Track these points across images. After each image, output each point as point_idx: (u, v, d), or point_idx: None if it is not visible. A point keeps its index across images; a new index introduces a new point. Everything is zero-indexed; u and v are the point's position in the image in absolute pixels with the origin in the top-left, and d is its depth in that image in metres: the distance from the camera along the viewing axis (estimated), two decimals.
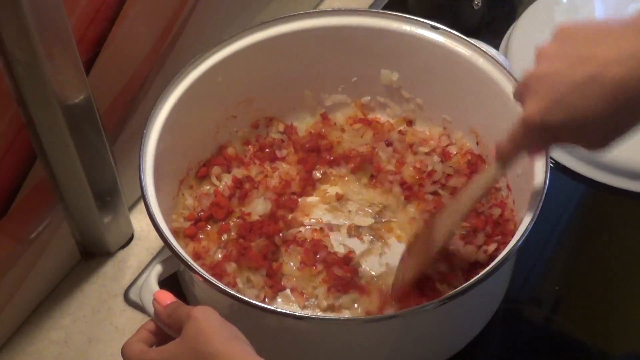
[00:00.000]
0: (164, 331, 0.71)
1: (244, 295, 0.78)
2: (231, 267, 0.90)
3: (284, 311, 0.77)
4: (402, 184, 0.99)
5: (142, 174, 0.83)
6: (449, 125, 1.02)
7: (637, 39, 0.62)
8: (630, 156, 1.05)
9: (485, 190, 0.82)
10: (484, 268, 0.86)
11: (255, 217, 0.95)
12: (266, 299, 0.90)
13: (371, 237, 0.96)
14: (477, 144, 0.99)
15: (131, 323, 0.93)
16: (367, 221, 0.97)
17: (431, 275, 0.89)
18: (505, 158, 0.77)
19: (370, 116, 1.06)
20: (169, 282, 0.81)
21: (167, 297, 0.72)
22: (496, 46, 1.14)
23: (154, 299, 0.72)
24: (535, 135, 0.70)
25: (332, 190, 1.00)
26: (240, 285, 0.90)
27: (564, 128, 0.67)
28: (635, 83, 0.62)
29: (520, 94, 0.70)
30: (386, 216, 0.98)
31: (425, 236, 0.86)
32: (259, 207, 0.96)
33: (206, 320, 0.65)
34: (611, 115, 0.64)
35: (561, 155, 1.07)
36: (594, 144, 0.69)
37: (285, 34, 0.96)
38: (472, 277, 0.86)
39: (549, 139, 0.71)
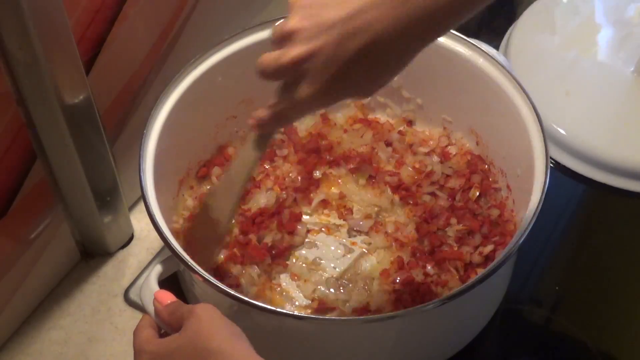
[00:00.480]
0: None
1: (247, 295, 0.78)
2: (236, 269, 0.90)
3: (284, 311, 0.77)
4: (400, 184, 0.99)
5: (142, 174, 0.83)
6: (449, 126, 1.02)
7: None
8: (630, 156, 1.05)
9: (251, 168, 0.81)
10: (481, 268, 0.87)
11: (255, 209, 0.95)
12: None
13: (370, 237, 0.96)
14: (477, 144, 0.99)
15: (131, 323, 0.93)
16: (367, 222, 0.97)
17: (426, 277, 0.89)
18: (265, 128, 0.75)
19: (370, 116, 1.06)
20: (169, 282, 0.81)
21: (168, 297, 0.72)
22: (496, 46, 1.14)
23: (155, 298, 0.72)
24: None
25: (332, 190, 1.00)
26: (243, 284, 0.90)
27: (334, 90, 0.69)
28: (363, 34, 0.64)
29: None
30: (383, 217, 0.98)
31: (208, 218, 0.86)
32: (261, 200, 0.96)
33: (208, 317, 0.65)
34: (369, 68, 0.66)
35: (561, 155, 1.07)
36: (361, 94, 0.72)
37: None
38: (468, 279, 0.87)
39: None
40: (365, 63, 0.66)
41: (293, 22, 0.67)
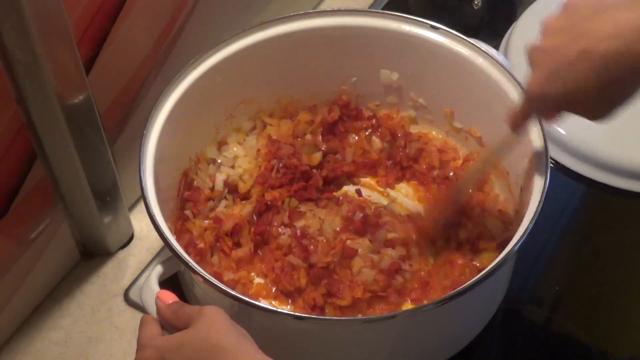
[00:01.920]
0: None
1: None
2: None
3: (284, 311, 0.77)
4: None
5: (142, 174, 0.83)
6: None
7: (632, 12, 0.63)
8: (630, 156, 1.05)
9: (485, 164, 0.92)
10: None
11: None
12: None
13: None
14: (478, 143, 0.99)
15: (131, 323, 0.93)
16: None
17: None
18: (516, 125, 0.80)
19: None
20: (169, 282, 0.81)
21: (170, 297, 0.73)
22: (496, 46, 1.14)
23: (157, 298, 0.73)
24: (539, 104, 0.74)
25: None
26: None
27: (562, 99, 0.70)
28: (625, 57, 0.64)
29: (529, 64, 0.74)
30: None
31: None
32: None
33: (218, 318, 0.67)
34: (603, 87, 0.66)
35: (561, 155, 1.07)
36: (593, 114, 0.72)
37: (285, 34, 0.96)
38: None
39: (552, 108, 0.75)
40: (584, 73, 0.67)
41: (552, 20, 0.70)
